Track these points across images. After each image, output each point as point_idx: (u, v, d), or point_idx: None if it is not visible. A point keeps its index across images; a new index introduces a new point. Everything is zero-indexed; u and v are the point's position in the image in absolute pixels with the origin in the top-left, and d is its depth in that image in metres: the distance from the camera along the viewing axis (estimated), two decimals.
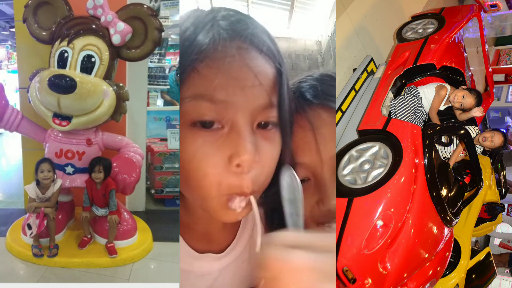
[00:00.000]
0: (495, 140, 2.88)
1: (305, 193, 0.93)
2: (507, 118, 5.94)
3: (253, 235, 1.26)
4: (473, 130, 2.95)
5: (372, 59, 3.39)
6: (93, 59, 2.62)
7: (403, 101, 2.93)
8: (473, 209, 3.20)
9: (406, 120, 2.82)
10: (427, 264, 2.38)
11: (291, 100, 1.00)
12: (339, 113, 3.03)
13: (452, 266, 2.96)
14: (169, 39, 5.59)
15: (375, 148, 2.44)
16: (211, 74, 0.85)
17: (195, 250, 1.21)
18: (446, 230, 2.43)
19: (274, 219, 1.10)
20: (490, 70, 3.91)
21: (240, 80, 0.86)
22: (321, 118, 1.06)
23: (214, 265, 1.23)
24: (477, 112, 2.90)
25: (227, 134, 0.90)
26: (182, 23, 0.94)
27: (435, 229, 2.35)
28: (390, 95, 2.91)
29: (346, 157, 2.47)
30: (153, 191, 3.78)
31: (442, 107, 3.02)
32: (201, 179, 0.93)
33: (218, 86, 0.85)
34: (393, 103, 2.92)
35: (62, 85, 2.47)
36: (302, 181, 1.00)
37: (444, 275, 2.86)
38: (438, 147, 2.87)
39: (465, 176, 2.84)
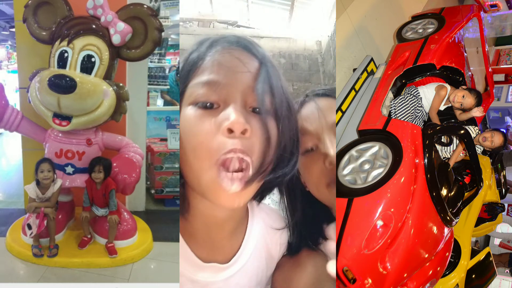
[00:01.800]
0: (495, 140, 2.88)
1: (313, 159, 1.24)
2: (507, 118, 5.94)
3: (258, 246, 1.30)
4: (473, 130, 2.95)
5: (372, 59, 3.39)
6: (93, 59, 2.62)
7: (403, 101, 2.93)
8: (473, 209, 3.20)
9: (406, 120, 2.82)
10: (427, 264, 2.38)
11: (284, 98, 1.13)
12: (339, 113, 3.03)
13: (452, 266, 2.96)
14: (169, 39, 5.59)
15: (375, 148, 2.44)
16: (209, 65, 1.04)
17: (199, 259, 1.21)
18: (446, 230, 2.43)
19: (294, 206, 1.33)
20: (490, 70, 3.91)
21: (232, 67, 1.04)
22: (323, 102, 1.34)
23: (219, 276, 1.23)
24: (477, 112, 2.90)
25: (222, 109, 1.04)
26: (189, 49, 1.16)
27: (435, 229, 2.35)
28: (390, 95, 2.91)
29: (346, 157, 2.47)
30: (153, 191, 3.78)
31: (442, 107, 3.02)
32: (197, 147, 1.03)
33: (215, 73, 1.03)
34: (393, 103, 2.92)
35: (62, 85, 2.47)
36: (311, 150, 1.25)
37: (444, 275, 2.86)
38: (438, 147, 2.87)
39: (465, 176, 2.84)
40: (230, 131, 1.01)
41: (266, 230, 1.33)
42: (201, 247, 1.22)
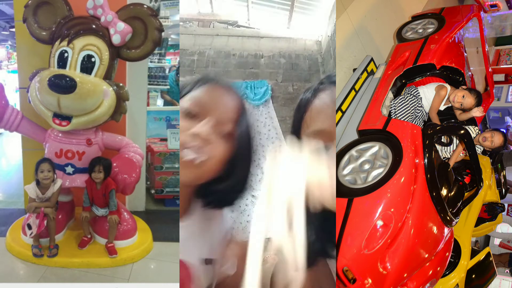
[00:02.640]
0: (495, 140, 2.88)
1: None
2: (507, 118, 5.94)
3: None
4: (473, 130, 2.95)
5: (372, 59, 3.39)
6: (93, 59, 2.62)
7: (403, 101, 2.93)
8: (473, 209, 3.20)
9: (406, 120, 2.82)
10: (427, 264, 2.38)
11: (250, 128, 1.36)
12: (339, 113, 3.03)
13: (452, 266, 2.96)
14: (169, 39, 5.59)
15: (375, 148, 2.44)
16: (200, 95, 1.30)
17: None
18: (446, 230, 2.43)
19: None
20: (490, 70, 3.91)
21: (216, 99, 1.30)
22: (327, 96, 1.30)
23: None
24: (477, 112, 2.90)
25: (198, 120, 1.27)
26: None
27: (435, 229, 2.35)
28: (390, 95, 2.91)
29: (346, 157, 2.47)
30: (153, 191, 3.78)
31: (442, 107, 3.02)
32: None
33: (206, 98, 1.29)
34: (393, 103, 2.92)
35: (62, 85, 2.47)
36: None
37: (444, 275, 2.86)
38: (438, 147, 2.87)
39: (465, 176, 2.84)
40: (195, 135, 1.24)
41: None
42: None
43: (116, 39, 2.64)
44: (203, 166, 1.26)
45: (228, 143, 1.30)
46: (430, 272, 2.40)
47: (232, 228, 1.47)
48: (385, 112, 2.76)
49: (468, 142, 2.58)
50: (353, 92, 3.14)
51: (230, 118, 1.30)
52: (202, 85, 1.32)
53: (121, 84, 2.74)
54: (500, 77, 6.09)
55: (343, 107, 3.06)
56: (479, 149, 3.00)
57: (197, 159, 1.25)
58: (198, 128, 1.24)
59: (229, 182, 1.35)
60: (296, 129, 1.31)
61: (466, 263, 3.00)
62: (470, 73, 3.52)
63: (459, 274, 2.96)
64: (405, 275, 2.25)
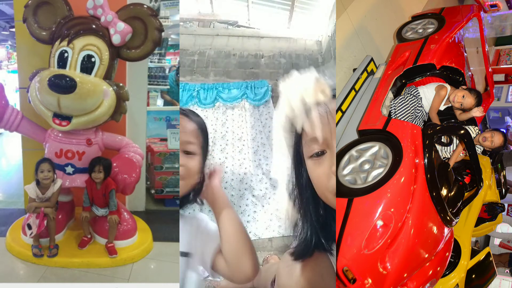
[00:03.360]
0: (495, 140, 2.88)
1: (323, 164, 1.27)
2: (507, 118, 5.94)
3: None
4: (473, 130, 2.95)
5: (372, 59, 3.38)
6: (93, 59, 2.62)
7: (403, 101, 2.93)
8: (473, 209, 3.20)
9: (406, 120, 2.82)
10: (427, 264, 2.38)
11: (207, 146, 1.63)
12: (339, 113, 3.02)
13: (452, 266, 2.96)
14: (169, 39, 5.59)
15: (375, 148, 2.44)
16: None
17: None
18: (446, 230, 2.43)
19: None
20: (490, 70, 3.92)
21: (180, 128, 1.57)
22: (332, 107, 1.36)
23: None
24: (477, 112, 2.90)
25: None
26: None
27: (435, 229, 2.35)
28: (390, 95, 2.91)
29: (346, 157, 2.47)
30: (153, 191, 3.78)
31: (442, 107, 3.02)
32: None
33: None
34: (393, 103, 2.92)
35: (62, 85, 2.47)
36: (321, 153, 1.28)
37: (444, 275, 2.86)
38: (438, 147, 2.87)
39: (465, 176, 2.84)
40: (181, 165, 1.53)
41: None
42: None
43: (116, 39, 2.64)
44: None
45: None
46: (430, 272, 2.40)
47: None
48: (385, 112, 2.76)
49: (468, 142, 2.58)
50: (353, 92, 3.14)
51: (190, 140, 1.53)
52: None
53: (121, 84, 2.74)
54: (500, 77, 6.09)
55: (343, 107, 3.06)
56: (479, 149, 3.00)
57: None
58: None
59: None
60: (297, 139, 1.36)
61: (466, 263, 3.00)
62: (470, 73, 3.52)
63: (459, 274, 2.96)
64: (405, 275, 2.25)
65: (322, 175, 1.28)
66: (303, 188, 1.38)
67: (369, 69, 3.33)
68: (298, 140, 1.37)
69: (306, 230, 1.41)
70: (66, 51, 2.61)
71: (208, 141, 1.69)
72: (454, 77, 3.17)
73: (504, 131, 4.55)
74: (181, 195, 1.57)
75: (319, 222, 1.38)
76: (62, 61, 2.61)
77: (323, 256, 1.39)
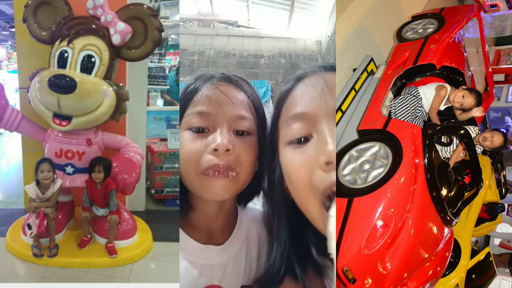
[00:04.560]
0: (495, 140, 2.87)
1: (306, 153, 0.99)
2: (507, 118, 5.93)
3: (250, 238, 1.41)
4: (473, 130, 2.95)
5: (372, 59, 3.38)
6: (93, 59, 2.62)
7: (403, 101, 2.93)
8: (473, 209, 3.20)
9: (406, 120, 2.82)
10: (427, 264, 2.38)
11: (265, 122, 1.34)
12: (339, 113, 3.02)
13: (452, 266, 2.95)
14: (169, 39, 5.59)
15: (375, 148, 2.44)
16: (201, 99, 1.29)
17: (198, 242, 1.34)
18: (446, 230, 2.43)
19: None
20: (490, 70, 3.91)
21: (218, 100, 1.27)
22: (327, 81, 1.10)
23: (216, 257, 1.35)
24: (477, 112, 2.90)
25: (210, 134, 1.27)
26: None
27: (435, 229, 2.35)
28: (390, 95, 2.91)
29: (346, 157, 2.47)
30: (153, 191, 3.78)
31: (442, 107, 3.02)
32: (187, 160, 1.26)
33: (205, 105, 1.28)
34: (393, 103, 2.92)
35: (62, 85, 2.47)
36: (305, 140, 1.01)
37: (444, 275, 2.86)
38: (438, 147, 2.87)
39: (465, 176, 2.84)
40: (216, 150, 1.23)
41: (254, 227, 1.46)
42: (199, 235, 1.38)
43: (116, 39, 2.63)
44: (237, 180, 1.26)
45: (248, 142, 1.29)
46: (430, 272, 2.40)
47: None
48: (385, 112, 2.76)
49: (468, 142, 2.57)
50: (353, 92, 3.14)
51: (242, 115, 1.27)
52: (200, 93, 1.31)
53: (121, 84, 2.74)
54: (500, 77, 6.09)
55: (343, 107, 3.05)
56: (479, 149, 3.00)
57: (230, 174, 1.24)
58: (215, 143, 1.23)
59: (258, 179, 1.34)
60: (274, 119, 1.20)
61: (466, 263, 3.00)
62: (470, 73, 3.52)
63: (459, 274, 2.96)
64: (405, 275, 2.25)
65: (302, 168, 0.97)
66: (273, 190, 1.17)
67: (369, 69, 3.33)
68: (275, 122, 1.16)
69: (276, 249, 1.18)
70: (66, 51, 2.61)
71: (265, 119, 1.35)
72: (454, 77, 3.16)
73: (504, 131, 4.55)
74: (228, 196, 1.27)
75: (293, 240, 1.12)
76: (62, 61, 2.61)
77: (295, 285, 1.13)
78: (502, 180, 3.77)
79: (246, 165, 1.26)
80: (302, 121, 1.01)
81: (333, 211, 0.94)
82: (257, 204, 1.45)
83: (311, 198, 0.96)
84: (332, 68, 1.13)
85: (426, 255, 2.32)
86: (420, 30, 3.37)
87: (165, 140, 3.92)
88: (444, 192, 2.42)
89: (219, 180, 1.22)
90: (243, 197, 1.42)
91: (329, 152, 0.93)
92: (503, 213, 3.57)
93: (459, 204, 2.56)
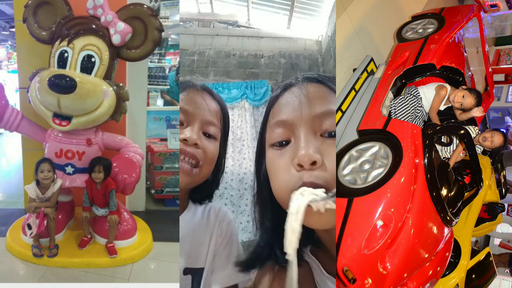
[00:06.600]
0: (495, 140, 2.87)
1: (285, 156, 1.09)
2: (507, 118, 5.93)
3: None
4: (473, 130, 2.95)
5: (372, 59, 3.38)
6: (93, 59, 2.62)
7: (403, 101, 2.93)
8: (473, 209, 3.20)
9: (406, 120, 2.82)
10: (427, 264, 2.38)
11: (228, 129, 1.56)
12: (339, 113, 3.02)
13: (452, 266, 2.95)
14: (169, 39, 5.59)
15: (375, 148, 2.44)
16: (186, 101, 1.47)
17: None
18: (446, 230, 2.43)
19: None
20: (490, 70, 3.91)
21: (197, 104, 1.45)
22: (311, 91, 1.15)
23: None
24: (477, 112, 2.90)
25: (185, 127, 1.45)
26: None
27: (435, 229, 2.35)
28: (390, 95, 2.91)
29: (346, 157, 2.47)
30: (153, 191, 3.78)
31: (442, 107, 3.02)
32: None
33: (187, 105, 1.46)
34: (393, 103, 2.92)
35: (62, 85, 2.47)
36: (285, 143, 1.11)
37: (444, 275, 2.85)
38: (438, 147, 2.87)
39: (465, 176, 2.84)
40: (185, 140, 1.39)
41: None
42: None
43: (116, 39, 2.64)
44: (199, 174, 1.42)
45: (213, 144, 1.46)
46: (430, 272, 2.40)
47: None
48: (385, 112, 2.76)
49: (468, 142, 2.57)
50: (353, 92, 3.14)
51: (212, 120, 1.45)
52: (182, 91, 1.47)
53: (121, 84, 2.74)
54: (500, 77, 6.09)
55: (343, 107, 3.05)
56: (479, 149, 3.00)
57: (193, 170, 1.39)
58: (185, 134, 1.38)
59: (213, 179, 1.53)
60: (263, 122, 1.24)
61: (466, 263, 3.00)
62: (470, 73, 3.52)
63: (459, 274, 2.96)
64: (405, 275, 2.25)
65: (280, 167, 1.08)
66: (261, 183, 1.23)
67: (369, 69, 3.33)
68: (264, 125, 1.22)
69: (259, 236, 1.25)
70: (66, 51, 2.61)
71: (229, 129, 1.56)
72: (454, 77, 3.16)
73: (504, 131, 4.55)
74: (191, 185, 1.44)
75: (276, 229, 1.15)
76: (62, 61, 2.61)
77: (276, 267, 1.19)
78: (502, 180, 3.76)
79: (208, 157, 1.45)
80: (283, 127, 1.12)
81: (293, 208, 1.02)
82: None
83: (285, 194, 1.06)
84: (316, 80, 1.16)
85: (426, 255, 2.32)
86: (420, 30, 3.37)
87: (165, 140, 3.92)
88: (444, 192, 2.42)
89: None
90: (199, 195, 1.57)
91: (301, 156, 1.05)
92: (503, 213, 3.57)
93: (459, 204, 2.56)
